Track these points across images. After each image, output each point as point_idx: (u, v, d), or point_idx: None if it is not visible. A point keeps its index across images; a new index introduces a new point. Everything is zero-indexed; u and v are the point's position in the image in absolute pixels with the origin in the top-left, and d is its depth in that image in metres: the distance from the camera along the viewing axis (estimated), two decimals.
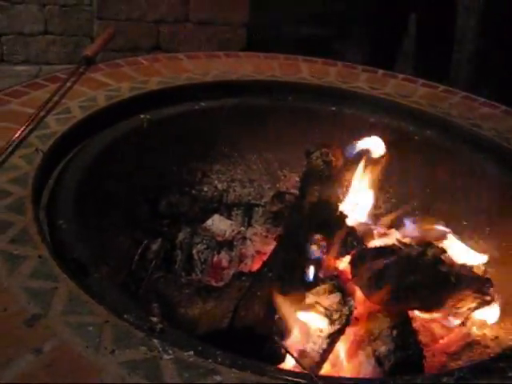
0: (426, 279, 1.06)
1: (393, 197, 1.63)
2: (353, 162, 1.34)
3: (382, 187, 1.63)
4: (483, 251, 1.38)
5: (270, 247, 1.18)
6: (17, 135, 1.19)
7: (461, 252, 1.32)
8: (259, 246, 1.31)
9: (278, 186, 1.67)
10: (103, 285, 0.88)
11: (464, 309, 1.22)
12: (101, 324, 0.77)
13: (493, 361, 0.84)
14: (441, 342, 1.23)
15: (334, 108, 1.66)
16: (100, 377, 0.68)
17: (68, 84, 1.48)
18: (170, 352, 0.73)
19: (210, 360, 0.73)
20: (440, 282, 1.07)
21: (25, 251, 0.89)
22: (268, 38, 3.88)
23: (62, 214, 1.05)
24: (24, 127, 1.23)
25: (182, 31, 3.59)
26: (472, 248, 1.37)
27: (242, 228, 1.43)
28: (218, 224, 1.41)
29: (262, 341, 0.91)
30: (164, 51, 3.50)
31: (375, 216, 1.45)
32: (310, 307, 0.98)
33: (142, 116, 1.45)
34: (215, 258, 1.33)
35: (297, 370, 0.91)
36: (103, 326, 0.76)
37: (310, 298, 0.99)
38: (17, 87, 1.46)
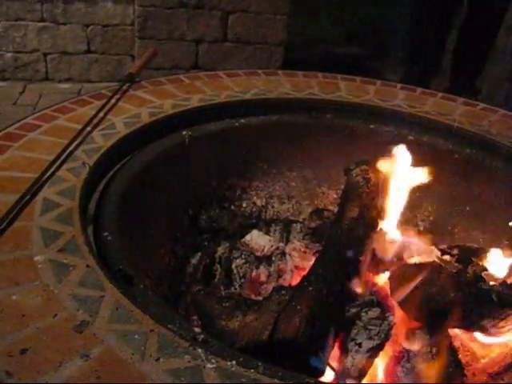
0: (466, 297, 1.05)
1: (432, 214, 1.62)
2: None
3: (421, 205, 1.63)
4: None
5: (309, 263, 1.19)
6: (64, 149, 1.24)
7: (502, 270, 1.31)
8: (298, 262, 1.32)
9: (316, 202, 1.68)
10: (148, 295, 0.91)
11: (506, 328, 1.20)
12: (146, 332, 0.79)
13: None
14: (482, 361, 1.22)
15: (372, 126, 1.67)
16: (145, 383, 0.70)
17: (113, 101, 1.53)
18: (213, 361, 0.75)
19: (252, 370, 0.74)
20: (481, 301, 1.06)
21: (73, 260, 0.92)
22: (304, 56, 3.91)
23: (107, 226, 1.08)
24: (71, 142, 1.28)
25: (220, 50, 3.65)
26: None
27: (281, 244, 1.44)
28: (257, 239, 1.43)
29: (301, 354, 0.92)
30: (202, 70, 3.56)
31: (415, 233, 1.45)
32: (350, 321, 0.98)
33: (183, 132, 1.48)
34: (254, 273, 1.34)
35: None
36: (148, 335, 0.78)
37: (349, 313, 1.00)
38: (64, 103, 1.51)
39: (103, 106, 1.48)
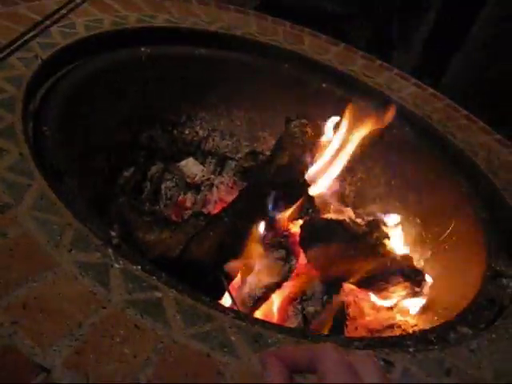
0: (364, 258, 1.15)
1: (359, 181, 1.71)
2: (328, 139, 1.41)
3: (351, 168, 1.71)
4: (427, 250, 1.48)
5: (233, 197, 1.25)
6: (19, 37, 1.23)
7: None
8: (223, 195, 1.39)
9: (255, 145, 1.74)
10: (73, 193, 0.95)
11: (394, 294, 1.32)
12: (64, 225, 0.84)
13: (401, 338, 0.94)
14: (367, 318, 1.34)
15: (324, 85, 1.72)
16: (54, 269, 0.76)
17: (78, 0, 1.51)
18: (121, 263, 0.81)
19: (154, 277, 0.81)
20: (376, 264, 1.16)
21: (7, 145, 0.94)
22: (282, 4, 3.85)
23: (47, 122, 1.11)
24: (28, 31, 1.27)
25: None
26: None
27: (212, 176, 1.50)
28: (191, 167, 1.48)
29: (205, 275, 0.99)
30: None
31: (336, 194, 1.54)
32: (256, 257, 1.07)
33: (142, 49, 1.49)
34: (180, 197, 1.40)
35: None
36: (66, 228, 0.83)
37: (257, 249, 1.08)
38: None
39: (67, 3, 1.46)
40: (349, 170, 1.69)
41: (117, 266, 0.80)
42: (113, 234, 0.89)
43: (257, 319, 0.88)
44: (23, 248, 0.77)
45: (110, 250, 0.82)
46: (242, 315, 0.81)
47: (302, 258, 1.17)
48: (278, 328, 0.83)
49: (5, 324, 0.66)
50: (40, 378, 0.63)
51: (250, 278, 1.07)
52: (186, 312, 0.77)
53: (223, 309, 0.83)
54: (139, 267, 0.81)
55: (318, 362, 0.45)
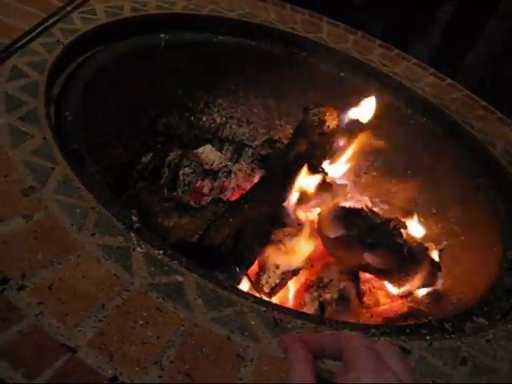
0: (381, 246, 1.16)
1: (375, 170, 1.71)
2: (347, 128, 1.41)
3: (368, 159, 1.72)
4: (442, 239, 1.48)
5: (251, 184, 1.26)
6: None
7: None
8: (241, 182, 1.40)
9: (272, 133, 1.74)
10: (95, 178, 0.96)
11: (410, 283, 1.32)
12: (87, 209, 0.85)
13: (418, 326, 0.94)
14: (382, 307, 1.35)
15: (342, 74, 1.72)
16: (78, 252, 0.77)
17: None
18: (143, 247, 0.82)
19: (175, 261, 0.82)
20: (393, 252, 1.17)
21: (31, 130, 0.96)
22: None
23: (69, 107, 1.12)
24: (49, 16, 1.28)
25: None
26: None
27: (230, 163, 1.51)
28: (209, 154, 1.49)
29: (223, 261, 1.00)
30: None
31: (354, 182, 1.54)
32: (274, 244, 1.08)
33: (161, 35, 1.49)
34: (198, 183, 1.41)
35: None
36: (89, 211, 0.85)
37: (275, 236, 1.09)
38: None
39: None
40: (366, 159, 1.70)
41: (139, 250, 0.81)
42: (134, 218, 0.90)
43: (276, 304, 0.89)
44: (47, 231, 0.79)
45: (132, 235, 0.83)
46: (262, 300, 0.83)
47: (320, 245, 1.18)
48: (296, 314, 0.84)
49: (31, 304, 0.68)
50: (65, 357, 0.64)
51: (268, 265, 1.08)
52: (206, 296, 0.78)
53: (243, 294, 0.84)
54: (161, 251, 0.83)
55: (346, 349, 0.46)
